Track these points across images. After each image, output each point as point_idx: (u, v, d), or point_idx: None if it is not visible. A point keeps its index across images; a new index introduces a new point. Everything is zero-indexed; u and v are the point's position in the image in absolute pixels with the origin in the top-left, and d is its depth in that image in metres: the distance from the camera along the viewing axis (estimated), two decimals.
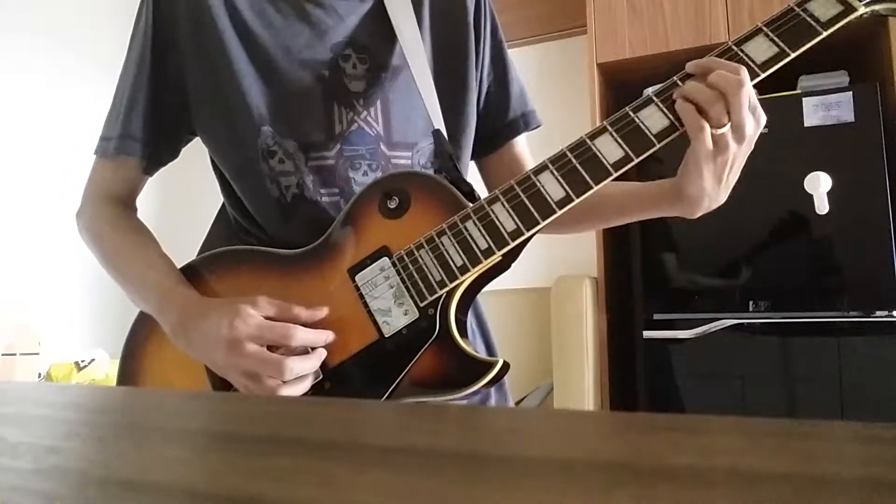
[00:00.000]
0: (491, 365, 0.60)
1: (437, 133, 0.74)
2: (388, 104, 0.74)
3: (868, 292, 1.56)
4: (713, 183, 0.63)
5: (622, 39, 1.95)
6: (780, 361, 1.61)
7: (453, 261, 0.62)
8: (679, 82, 0.61)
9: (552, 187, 0.60)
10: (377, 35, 0.75)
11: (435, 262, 0.62)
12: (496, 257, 0.61)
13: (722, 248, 1.68)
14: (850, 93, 1.61)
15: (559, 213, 0.60)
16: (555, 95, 2.30)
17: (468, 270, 0.61)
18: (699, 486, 0.16)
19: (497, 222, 0.61)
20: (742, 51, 0.60)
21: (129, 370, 0.74)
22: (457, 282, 0.62)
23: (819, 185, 1.56)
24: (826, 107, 1.62)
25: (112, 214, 0.76)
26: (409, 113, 0.75)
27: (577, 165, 0.60)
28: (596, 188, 0.60)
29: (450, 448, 0.20)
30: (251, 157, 0.71)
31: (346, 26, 0.74)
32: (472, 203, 0.64)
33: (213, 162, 0.78)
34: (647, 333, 1.73)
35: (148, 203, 0.82)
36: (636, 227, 1.79)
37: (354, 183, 0.71)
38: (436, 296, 0.62)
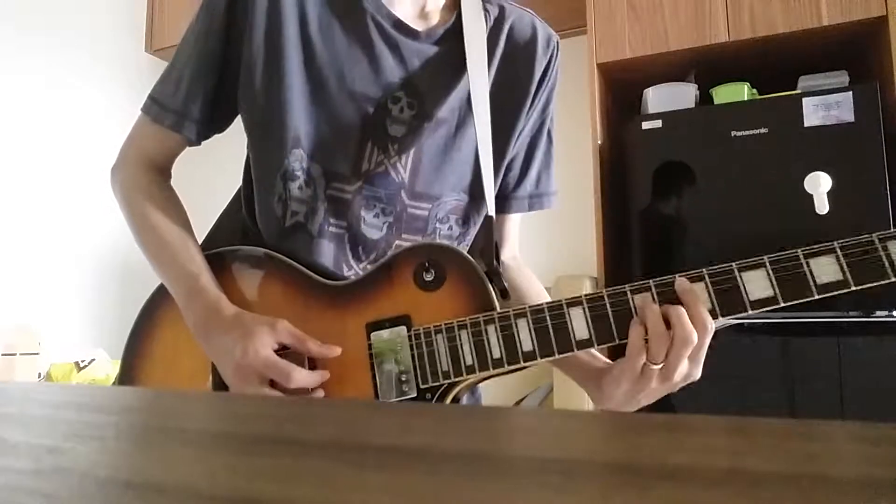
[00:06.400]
0: None
1: (489, 220, 0.74)
2: (421, 154, 0.74)
3: (868, 292, 1.55)
4: (624, 398, 0.64)
5: (622, 39, 1.95)
6: (780, 361, 1.60)
7: (464, 359, 0.62)
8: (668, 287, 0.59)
9: (579, 325, 0.60)
10: (435, 83, 0.74)
11: (447, 352, 0.63)
12: (504, 370, 0.62)
13: (722, 249, 1.68)
14: (850, 93, 1.61)
15: (575, 352, 0.60)
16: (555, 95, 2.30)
17: (474, 373, 0.62)
18: (699, 486, 0.16)
19: (516, 338, 0.61)
20: (808, 264, 0.56)
21: (138, 347, 0.75)
22: (461, 378, 0.63)
23: (819, 185, 1.56)
24: (826, 107, 1.62)
25: (149, 183, 0.76)
26: (441, 166, 0.75)
27: (610, 314, 0.59)
28: (617, 343, 0.60)
29: (450, 448, 0.20)
30: (272, 171, 0.71)
31: (406, 68, 0.73)
32: (502, 301, 0.64)
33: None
34: None
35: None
36: (636, 227, 1.79)
37: (364, 222, 0.72)
38: (437, 384, 0.63)
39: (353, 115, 0.71)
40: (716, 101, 1.85)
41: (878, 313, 1.54)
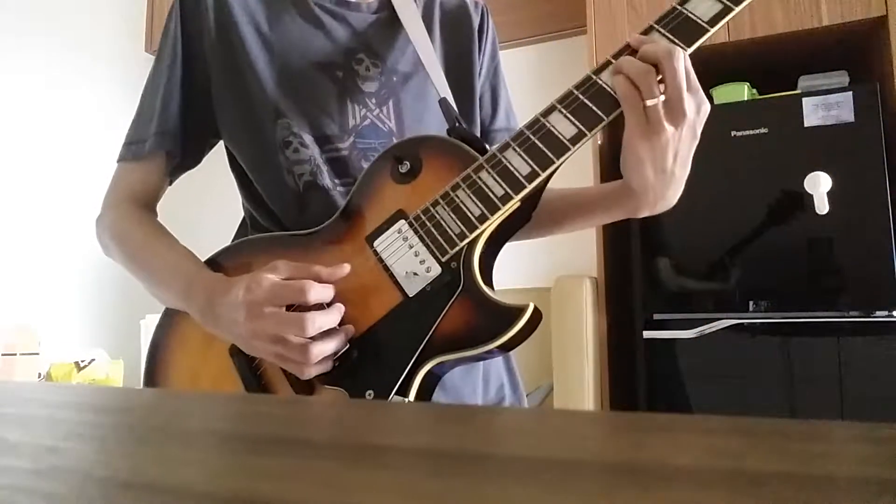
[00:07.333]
0: (521, 311, 0.59)
1: (443, 101, 0.75)
2: (400, 104, 0.77)
3: (868, 292, 1.56)
4: (654, 173, 0.62)
5: (622, 39, 1.94)
6: (780, 361, 1.60)
7: (471, 212, 0.61)
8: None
9: (563, 126, 0.60)
10: (389, 44, 0.79)
11: (452, 215, 0.62)
12: (514, 202, 0.61)
13: (722, 249, 1.68)
14: (850, 93, 1.61)
15: (573, 150, 0.59)
16: (555, 95, 2.30)
17: (487, 219, 0.60)
18: (699, 486, 0.16)
19: (511, 168, 0.61)
20: (686, 9, 0.60)
21: (156, 369, 0.73)
22: (477, 231, 0.61)
23: (819, 185, 1.56)
24: (826, 107, 1.62)
25: (137, 214, 0.77)
26: (422, 115, 0.78)
27: (586, 101, 0.60)
28: (607, 120, 0.59)
29: (450, 448, 0.20)
30: (270, 150, 0.73)
31: (359, 35, 0.78)
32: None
33: (231, 163, 0.80)
34: (647, 333, 1.73)
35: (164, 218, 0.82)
36: (636, 227, 1.79)
37: None
38: (457, 248, 0.61)
39: (325, 82, 0.75)
40: (716, 101, 1.85)
41: (878, 313, 1.54)
